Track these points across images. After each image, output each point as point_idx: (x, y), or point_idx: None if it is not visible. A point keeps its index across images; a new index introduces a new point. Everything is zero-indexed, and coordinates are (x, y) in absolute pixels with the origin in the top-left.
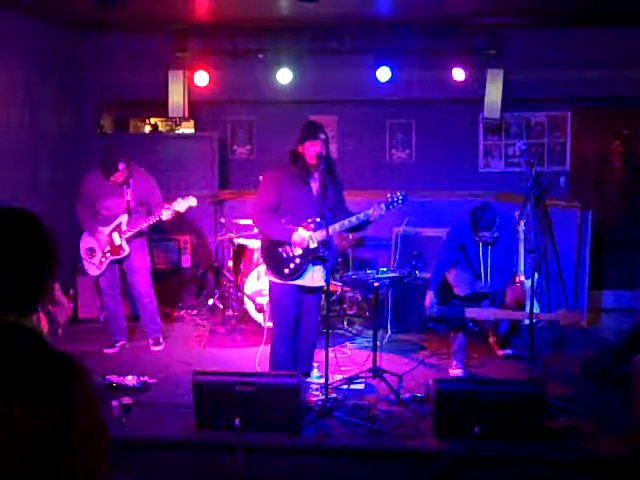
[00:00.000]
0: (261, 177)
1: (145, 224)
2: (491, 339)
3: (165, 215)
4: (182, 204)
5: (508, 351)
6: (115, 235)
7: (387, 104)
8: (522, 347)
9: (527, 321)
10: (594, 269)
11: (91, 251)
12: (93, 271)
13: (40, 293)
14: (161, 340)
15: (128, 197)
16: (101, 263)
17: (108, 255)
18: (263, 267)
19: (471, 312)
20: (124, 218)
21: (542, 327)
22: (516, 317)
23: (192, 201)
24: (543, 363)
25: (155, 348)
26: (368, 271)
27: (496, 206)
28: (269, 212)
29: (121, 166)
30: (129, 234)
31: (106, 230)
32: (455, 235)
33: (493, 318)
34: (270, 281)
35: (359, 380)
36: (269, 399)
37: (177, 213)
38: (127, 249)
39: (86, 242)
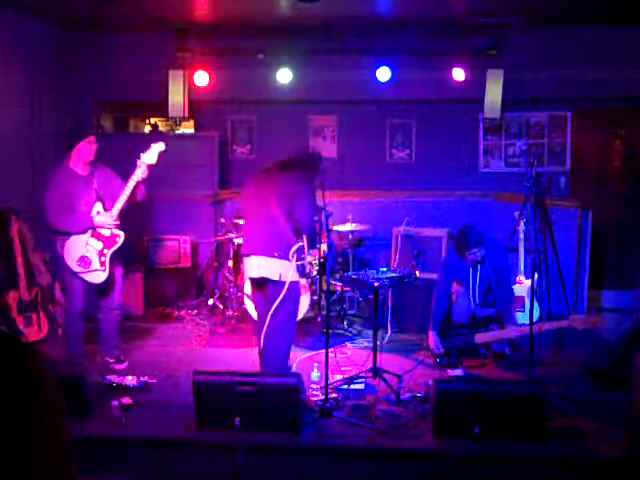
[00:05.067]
0: (303, 183)
1: (125, 194)
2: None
3: (140, 173)
4: (151, 153)
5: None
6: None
7: (387, 104)
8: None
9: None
10: (594, 269)
11: (85, 260)
12: (99, 277)
13: None
14: (122, 357)
15: (95, 186)
16: (103, 263)
17: (106, 251)
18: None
19: (482, 338)
20: (99, 206)
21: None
22: (526, 332)
23: (160, 145)
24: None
25: (120, 366)
26: (368, 271)
27: (496, 206)
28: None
29: (95, 135)
30: (114, 215)
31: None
32: (448, 268)
33: (504, 337)
34: (292, 281)
35: (359, 380)
36: (269, 399)
37: (150, 166)
38: (122, 234)
39: (74, 254)
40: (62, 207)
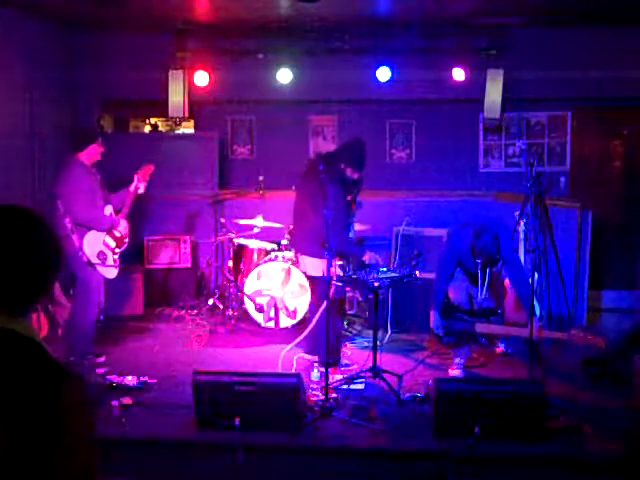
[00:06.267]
0: (330, 186)
1: (131, 199)
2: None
3: (142, 189)
4: (144, 171)
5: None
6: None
7: (387, 104)
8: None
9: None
10: (594, 269)
11: (102, 254)
12: (112, 273)
13: (33, 295)
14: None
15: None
16: (115, 261)
17: (117, 250)
18: (264, 267)
19: (482, 328)
20: (110, 208)
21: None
22: (526, 334)
23: (149, 168)
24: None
25: (101, 359)
26: (368, 271)
27: (496, 206)
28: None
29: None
30: (124, 220)
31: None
32: (453, 251)
33: (505, 334)
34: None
35: (359, 380)
36: (269, 399)
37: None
38: (127, 237)
39: (93, 247)
40: (88, 201)
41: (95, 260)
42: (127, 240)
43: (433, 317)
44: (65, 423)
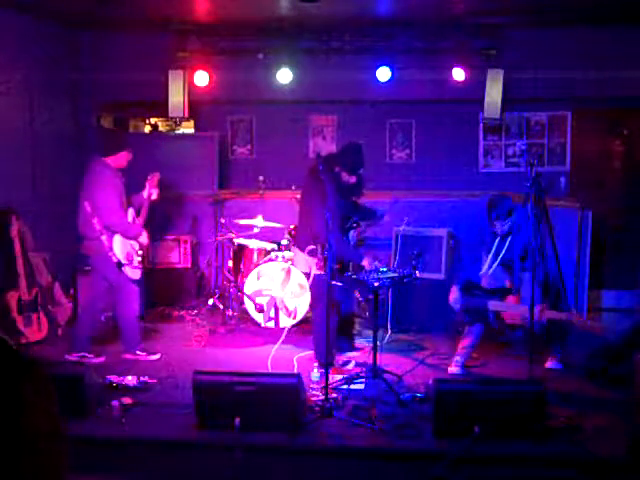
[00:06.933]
0: (328, 186)
1: (146, 205)
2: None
3: (154, 194)
4: (152, 179)
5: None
6: None
7: (387, 104)
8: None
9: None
10: (594, 269)
11: (130, 255)
12: (137, 274)
13: None
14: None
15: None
16: (140, 262)
17: (140, 252)
18: (264, 267)
19: (494, 305)
20: (132, 212)
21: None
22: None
23: (156, 175)
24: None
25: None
26: (368, 271)
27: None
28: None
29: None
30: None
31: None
32: (480, 229)
33: (516, 312)
34: (316, 274)
35: (359, 380)
36: (269, 399)
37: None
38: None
39: (122, 248)
40: (117, 205)
41: (124, 261)
42: (145, 246)
43: (453, 292)
44: (26, 418)
